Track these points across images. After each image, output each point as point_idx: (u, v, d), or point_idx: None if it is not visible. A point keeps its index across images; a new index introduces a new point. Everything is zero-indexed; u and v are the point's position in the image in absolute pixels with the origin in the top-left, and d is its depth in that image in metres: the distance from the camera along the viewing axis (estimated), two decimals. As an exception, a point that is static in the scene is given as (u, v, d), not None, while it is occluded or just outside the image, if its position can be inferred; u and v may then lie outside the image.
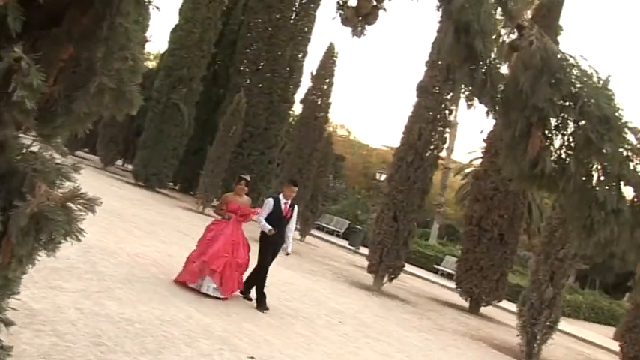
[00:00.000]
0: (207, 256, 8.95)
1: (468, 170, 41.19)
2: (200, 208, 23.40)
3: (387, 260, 16.50)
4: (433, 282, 25.80)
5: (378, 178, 33.43)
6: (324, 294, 13.03)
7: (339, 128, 68.83)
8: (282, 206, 9.59)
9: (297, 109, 28.66)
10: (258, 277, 9.49)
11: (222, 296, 9.03)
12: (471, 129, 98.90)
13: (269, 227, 9.40)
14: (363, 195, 44.54)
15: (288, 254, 10.00)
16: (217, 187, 23.75)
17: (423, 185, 16.92)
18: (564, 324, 22.69)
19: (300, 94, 27.05)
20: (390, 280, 16.84)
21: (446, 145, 21.29)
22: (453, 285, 19.78)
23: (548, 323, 12.77)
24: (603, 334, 24.34)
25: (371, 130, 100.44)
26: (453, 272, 22.11)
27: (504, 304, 19.24)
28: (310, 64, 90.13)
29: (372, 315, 12.41)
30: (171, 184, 29.63)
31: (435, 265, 30.57)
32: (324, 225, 35.96)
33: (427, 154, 17.00)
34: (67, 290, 7.05)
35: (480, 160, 20.23)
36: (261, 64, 28.60)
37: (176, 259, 11.35)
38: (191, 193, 29.82)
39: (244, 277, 9.56)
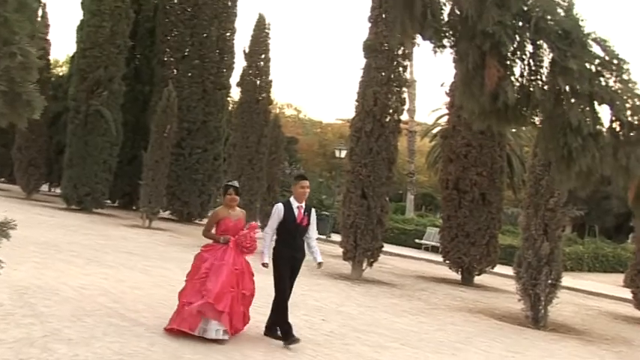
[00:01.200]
0: (210, 296, 7.85)
1: (435, 130, 41.59)
2: (146, 223, 23.15)
3: (362, 243, 16.58)
4: (418, 259, 26.07)
5: (337, 155, 33.46)
6: (299, 292, 12.97)
7: (286, 108, 68.81)
8: (296, 211, 8.49)
9: (235, 94, 28.50)
10: (280, 308, 8.39)
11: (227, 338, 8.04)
12: (431, 84, 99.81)
13: (266, 259, 8.46)
14: (325, 177, 44.65)
15: (320, 264, 8.75)
16: (161, 195, 23.51)
17: (388, 154, 17.00)
18: (568, 279, 23.14)
19: (235, 77, 26.91)
20: (370, 264, 16.93)
21: (406, 107, 21.39)
22: (440, 258, 20.01)
23: (550, 282, 12.97)
24: (612, 283, 24.96)
25: (322, 105, 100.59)
26: (437, 244, 22.36)
27: (499, 269, 19.53)
28: (241, 41, 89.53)
29: (357, 306, 12.46)
30: (108, 201, 29.23)
31: (417, 240, 30.90)
32: (288, 218, 35.90)
33: (387, 120, 17.06)
34: (5, 342, 6.87)
35: (447, 117, 20.40)
36: (187, 50, 28.35)
37: (128, 284, 11.22)
38: (133, 207, 29.49)
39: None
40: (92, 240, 17.16)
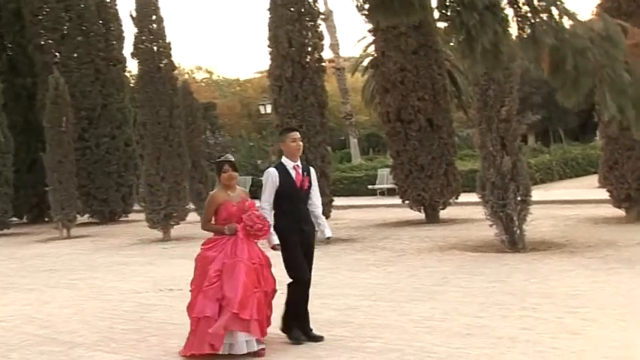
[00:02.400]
0: (233, 305, 7.05)
1: (366, 62, 41.66)
2: (64, 233, 22.76)
3: (309, 202, 16.61)
4: (375, 206, 26.30)
5: (263, 111, 33.38)
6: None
7: (196, 71, 67.97)
8: (293, 173, 7.73)
9: (133, 66, 27.96)
10: (299, 297, 7.66)
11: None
12: (351, 13, 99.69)
13: (276, 239, 7.56)
14: (255, 140, 44.44)
15: (329, 239, 8.16)
16: (74, 198, 23.09)
17: (317, 98, 17.01)
18: (540, 193, 23.75)
19: (129, 48, 26.32)
20: (322, 223, 16.96)
21: (327, 42, 21.34)
22: (398, 200, 20.25)
23: (519, 198, 13.26)
24: (587, 186, 25.73)
25: (236, 61, 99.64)
26: (392, 186, 22.55)
27: (465, 197, 19.88)
28: (126, 5, 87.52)
29: (316, 271, 12.45)
30: (14, 219, 28.57)
31: (370, 186, 31.05)
32: (223, 193, 35.85)
33: (307, 60, 17.05)
34: None
35: (374, 45, 20.47)
36: (65, 28, 27.65)
37: (54, 305, 11.04)
38: (46, 219, 28.85)
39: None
40: (2, 266, 16.84)
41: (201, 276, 7.41)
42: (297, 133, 7.99)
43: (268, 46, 17.30)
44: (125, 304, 10.64)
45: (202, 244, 7.70)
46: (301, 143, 7.89)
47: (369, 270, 12.38)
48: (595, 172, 19.67)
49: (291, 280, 7.66)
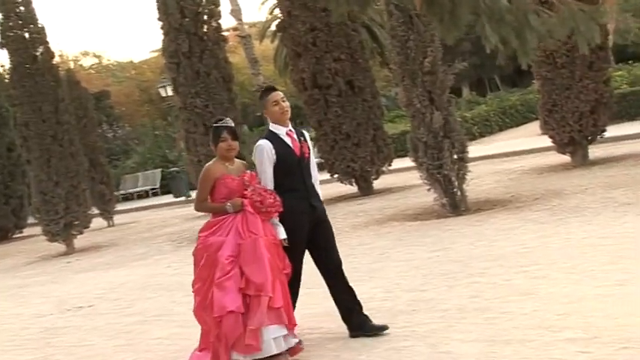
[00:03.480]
0: (267, 290, 6.43)
1: (274, 26, 41.51)
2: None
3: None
4: None
5: (164, 94, 33.01)
6: (163, 279, 12.92)
7: (82, 57, 66.73)
8: (288, 140, 7.07)
9: (3, 59, 27.32)
10: (290, 290, 6.90)
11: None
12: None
13: (283, 232, 6.89)
14: (161, 127, 44.00)
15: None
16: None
17: (221, 72, 16.97)
18: (479, 148, 24.21)
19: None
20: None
21: (226, 8, 21.19)
22: (327, 175, 20.05)
23: (455, 156, 13.45)
24: (529, 135, 26.37)
25: (126, 41, 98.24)
26: (319, 159, 22.60)
27: (399, 163, 20.12)
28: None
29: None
30: None
31: None
32: (130, 192, 35.59)
33: (205, 31, 16.95)
34: None
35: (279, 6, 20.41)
36: None
37: (26, 315, 10.82)
38: None
39: None
40: None
41: (207, 269, 6.66)
42: (279, 93, 7.16)
43: (158, 19, 17.10)
44: (27, 332, 10.40)
45: (200, 231, 6.93)
46: (287, 104, 7.11)
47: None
48: (536, 119, 20.17)
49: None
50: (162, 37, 17.26)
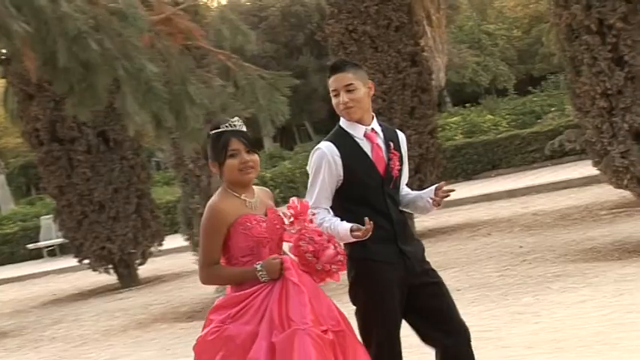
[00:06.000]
0: None
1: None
2: None
3: None
4: (41, 275, 23.17)
5: None
6: None
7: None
8: (368, 149, 4.80)
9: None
10: None
11: None
12: None
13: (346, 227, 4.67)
14: None
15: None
16: None
17: None
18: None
19: None
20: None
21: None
22: (74, 261, 18.10)
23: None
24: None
25: None
26: (63, 240, 20.58)
27: (172, 242, 18.58)
28: None
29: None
30: None
31: (31, 245, 27.13)
32: None
33: None
34: None
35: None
36: None
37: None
38: None
39: None
40: None
41: None
42: (346, 76, 4.70)
43: None
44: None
45: (211, 312, 4.47)
46: (354, 95, 4.67)
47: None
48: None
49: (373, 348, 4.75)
50: None
